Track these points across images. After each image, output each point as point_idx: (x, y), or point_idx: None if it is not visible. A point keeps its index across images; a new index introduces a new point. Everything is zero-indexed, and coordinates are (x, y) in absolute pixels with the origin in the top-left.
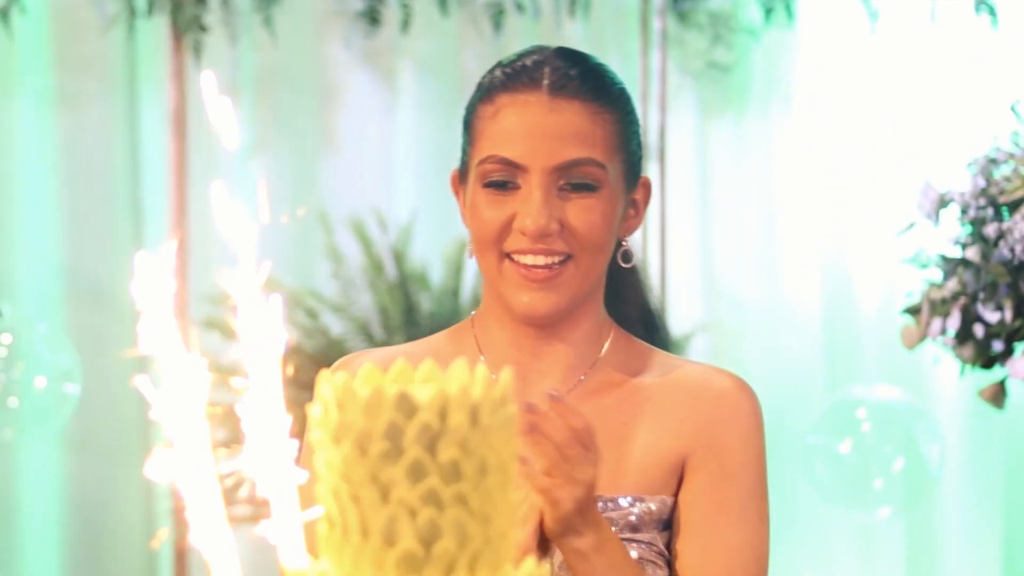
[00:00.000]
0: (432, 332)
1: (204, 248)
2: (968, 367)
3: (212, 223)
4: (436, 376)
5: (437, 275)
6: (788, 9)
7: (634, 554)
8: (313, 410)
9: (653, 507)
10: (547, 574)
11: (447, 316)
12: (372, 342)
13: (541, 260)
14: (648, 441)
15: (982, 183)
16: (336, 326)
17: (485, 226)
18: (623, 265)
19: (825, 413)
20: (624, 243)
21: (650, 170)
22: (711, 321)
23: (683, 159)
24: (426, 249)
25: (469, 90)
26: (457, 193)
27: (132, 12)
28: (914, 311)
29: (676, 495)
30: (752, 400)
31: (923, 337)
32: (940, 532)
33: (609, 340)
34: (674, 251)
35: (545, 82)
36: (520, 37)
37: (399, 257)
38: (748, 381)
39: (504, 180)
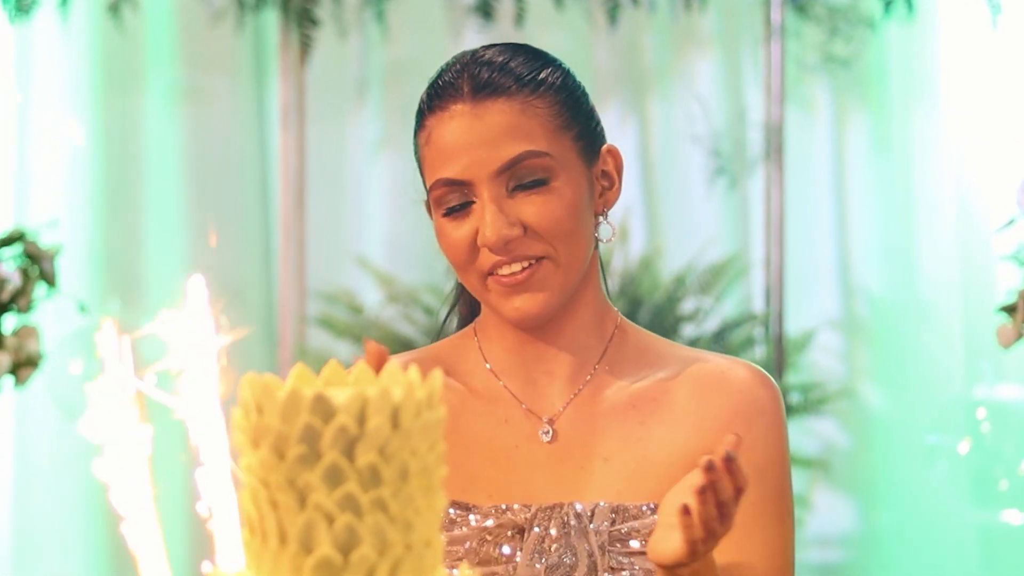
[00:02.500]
0: None
1: (322, 245)
2: None
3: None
4: (368, 378)
5: None
6: (908, 2)
7: None
8: (234, 413)
9: None
10: None
11: None
12: None
13: (517, 267)
14: (667, 441)
15: None
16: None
17: (455, 251)
18: (602, 241)
19: (944, 412)
20: (602, 219)
21: (767, 163)
22: (843, 317)
23: (801, 152)
24: None
25: (586, 84)
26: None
27: (241, 6)
28: (1010, 309)
29: None
30: (775, 393)
31: (1020, 336)
32: None
33: (614, 332)
34: (793, 246)
35: (465, 89)
36: (637, 30)
37: None
38: (882, 378)
39: (459, 202)
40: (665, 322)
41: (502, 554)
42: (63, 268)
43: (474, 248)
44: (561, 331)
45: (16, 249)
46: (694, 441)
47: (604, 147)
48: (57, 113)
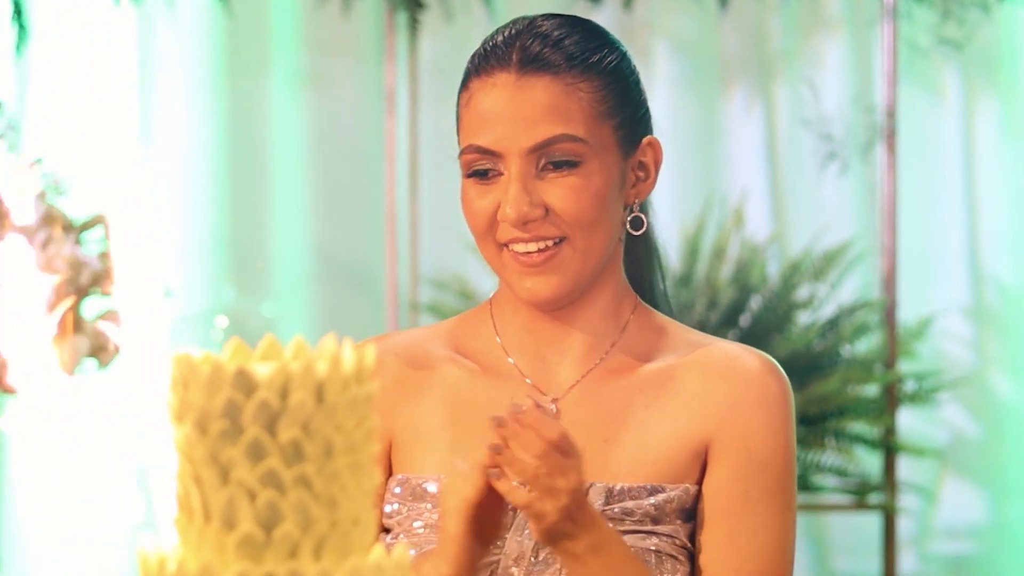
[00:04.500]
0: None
1: (434, 230)
2: None
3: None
4: (304, 353)
5: (675, 256)
6: None
7: (653, 547)
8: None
9: (675, 496)
10: (402, 562)
11: (684, 301)
12: None
13: (533, 247)
14: (670, 425)
15: None
16: None
17: (475, 218)
18: (633, 233)
19: None
20: (635, 210)
21: (880, 146)
22: (972, 304)
23: (918, 136)
24: (665, 230)
25: (701, 66)
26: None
27: None
28: None
29: (700, 483)
30: (782, 382)
31: None
32: None
33: (630, 319)
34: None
35: (514, 58)
36: (745, 11)
37: None
38: (1013, 367)
39: (485, 168)
40: (779, 309)
41: None
42: (185, 252)
43: (495, 219)
44: (576, 314)
45: (98, 232)
46: (696, 426)
47: (646, 139)
48: (179, 99)
